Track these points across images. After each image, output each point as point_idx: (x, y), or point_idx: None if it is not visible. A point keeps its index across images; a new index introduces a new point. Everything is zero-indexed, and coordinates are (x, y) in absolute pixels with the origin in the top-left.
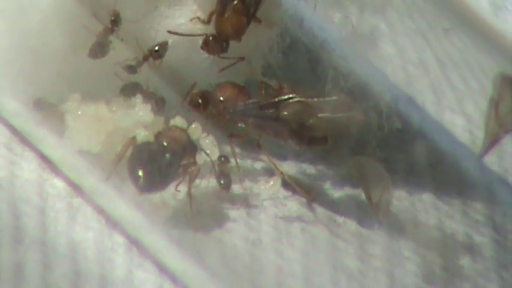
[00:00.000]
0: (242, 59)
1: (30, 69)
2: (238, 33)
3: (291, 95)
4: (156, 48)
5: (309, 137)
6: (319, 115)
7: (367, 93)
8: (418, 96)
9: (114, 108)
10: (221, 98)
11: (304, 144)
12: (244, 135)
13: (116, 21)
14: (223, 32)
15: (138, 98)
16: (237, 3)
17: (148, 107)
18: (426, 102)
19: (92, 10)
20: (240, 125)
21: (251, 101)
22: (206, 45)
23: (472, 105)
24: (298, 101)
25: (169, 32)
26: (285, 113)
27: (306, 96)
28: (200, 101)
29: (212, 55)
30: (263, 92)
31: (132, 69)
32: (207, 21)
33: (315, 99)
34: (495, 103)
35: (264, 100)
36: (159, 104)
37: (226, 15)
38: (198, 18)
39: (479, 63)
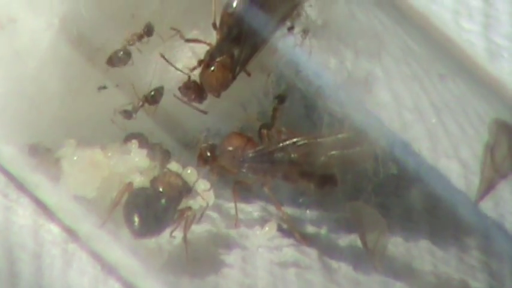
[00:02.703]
0: (205, 112)
1: (26, 115)
2: (221, 88)
3: (300, 138)
4: (152, 93)
5: (319, 177)
6: (330, 153)
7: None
8: (413, 142)
9: (109, 154)
10: (230, 148)
11: (315, 186)
12: (249, 182)
13: (148, 31)
14: (206, 83)
15: (134, 144)
16: (225, 57)
17: (144, 152)
18: (422, 148)
19: (88, 56)
20: (247, 172)
21: (260, 147)
22: (185, 89)
23: (467, 151)
24: (306, 142)
25: (161, 55)
26: (295, 155)
27: (313, 138)
28: (209, 154)
29: (187, 100)
30: (267, 138)
31: (128, 114)
32: (192, 69)
33: (325, 139)
34: (491, 149)
35: (273, 146)
36: (164, 155)
37: (212, 68)
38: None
39: (474, 109)
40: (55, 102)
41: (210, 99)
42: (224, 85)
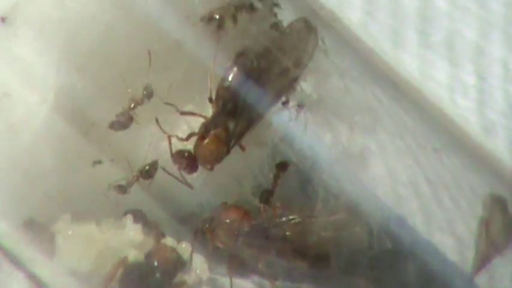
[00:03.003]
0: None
1: (20, 189)
2: (214, 161)
3: (294, 216)
4: (146, 168)
5: (312, 256)
6: (323, 233)
7: (357, 213)
8: (408, 216)
9: (104, 228)
10: (227, 221)
11: (308, 264)
12: (244, 257)
13: (148, 94)
14: (200, 156)
15: (129, 218)
16: (219, 130)
17: (139, 227)
18: (417, 223)
19: (83, 130)
20: (242, 246)
21: (255, 223)
22: (178, 157)
23: (462, 226)
24: (300, 220)
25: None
26: (289, 233)
27: (308, 216)
28: (207, 226)
29: (178, 168)
30: (264, 213)
31: (122, 189)
32: (185, 139)
33: (319, 218)
34: (485, 223)
35: (267, 222)
36: (158, 235)
37: (207, 140)
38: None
39: (469, 184)
40: (50, 177)
41: (204, 173)
42: (218, 158)
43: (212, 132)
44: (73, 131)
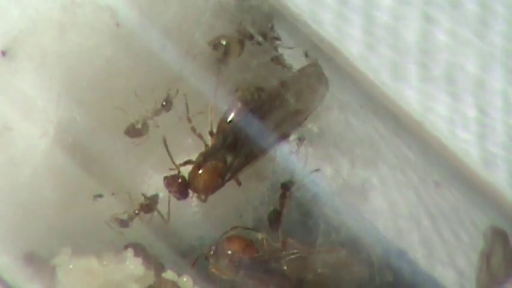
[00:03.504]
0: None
1: (21, 223)
2: (207, 192)
3: (294, 251)
4: (147, 202)
5: None
6: (319, 270)
7: (358, 246)
8: (409, 249)
9: (105, 262)
10: (228, 252)
11: None
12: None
13: (167, 105)
14: (193, 184)
15: (129, 252)
16: (216, 162)
17: (140, 260)
18: (417, 256)
19: (84, 163)
20: (243, 277)
21: (256, 255)
22: (171, 181)
23: (463, 258)
24: (299, 256)
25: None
26: (286, 267)
27: (308, 252)
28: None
29: (169, 192)
30: (265, 246)
31: (123, 223)
32: (183, 163)
33: (318, 255)
34: (486, 256)
35: (269, 255)
36: (157, 268)
37: (202, 170)
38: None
39: (469, 217)
40: (50, 210)
41: (204, 206)
42: (211, 189)
43: (209, 163)
44: (73, 164)
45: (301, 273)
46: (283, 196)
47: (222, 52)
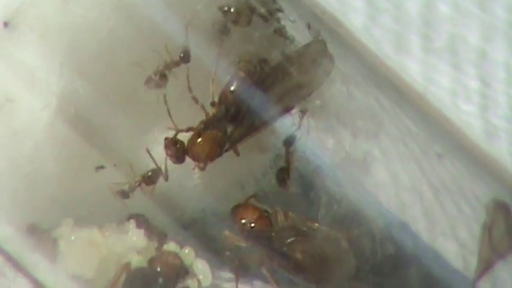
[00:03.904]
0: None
1: (23, 195)
2: (205, 159)
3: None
4: (149, 174)
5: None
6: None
7: (360, 219)
8: (411, 222)
9: (107, 234)
10: (242, 221)
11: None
12: (250, 262)
13: (185, 57)
14: (192, 152)
15: (131, 224)
16: (216, 132)
17: (142, 232)
18: (419, 228)
19: (85, 136)
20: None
21: (263, 229)
22: (170, 144)
23: (465, 231)
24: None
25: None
26: (288, 248)
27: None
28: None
29: (167, 156)
30: (278, 221)
31: (124, 194)
32: (185, 130)
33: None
34: (488, 229)
35: (274, 232)
36: (160, 239)
37: (201, 138)
38: None
39: (472, 189)
40: (52, 182)
41: (206, 178)
42: (209, 158)
43: (208, 131)
44: (76, 136)
45: (303, 257)
46: (287, 153)
47: (231, 19)
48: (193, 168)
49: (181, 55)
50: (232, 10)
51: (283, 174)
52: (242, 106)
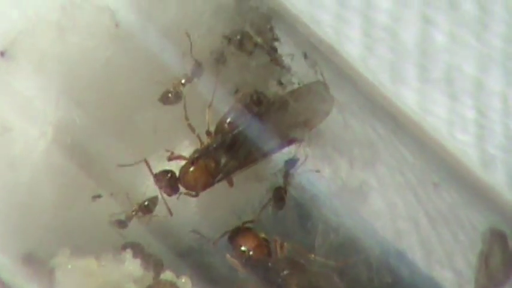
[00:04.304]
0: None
1: (20, 224)
2: (197, 189)
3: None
4: (146, 203)
5: None
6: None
7: (357, 247)
8: (407, 250)
9: (103, 263)
10: (242, 248)
11: None
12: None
13: (197, 71)
14: (184, 180)
15: (128, 253)
16: (210, 161)
17: (138, 261)
18: (416, 257)
19: (82, 165)
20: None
21: (260, 258)
22: (160, 176)
23: (461, 259)
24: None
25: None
26: (284, 275)
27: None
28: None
29: (159, 188)
30: (277, 250)
31: (122, 223)
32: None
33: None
34: (485, 257)
35: (271, 262)
36: (157, 268)
37: (194, 167)
38: None
39: (468, 218)
40: (49, 211)
41: (202, 208)
42: (202, 187)
43: (201, 160)
44: (72, 165)
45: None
46: (286, 173)
47: (236, 46)
48: (181, 194)
49: (193, 69)
50: (238, 37)
51: (280, 193)
52: (238, 138)
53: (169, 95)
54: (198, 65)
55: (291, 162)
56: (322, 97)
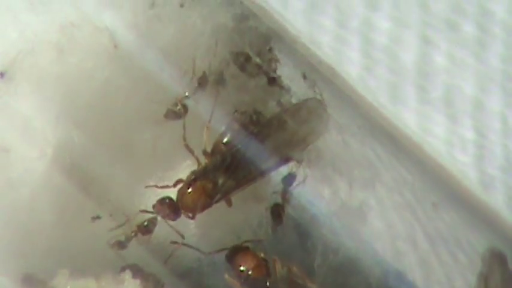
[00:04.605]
0: (182, 236)
1: (19, 244)
2: (195, 211)
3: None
4: (146, 223)
5: None
6: None
7: (356, 268)
8: (407, 271)
9: (103, 284)
10: (241, 268)
11: None
12: None
13: (202, 83)
14: (182, 203)
15: (127, 274)
16: (207, 182)
17: (137, 282)
18: (415, 278)
19: (81, 185)
20: None
21: (259, 278)
22: (160, 205)
23: (461, 280)
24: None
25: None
26: None
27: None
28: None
29: (161, 217)
30: (276, 271)
31: (121, 245)
32: (173, 186)
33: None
34: (484, 278)
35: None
36: (157, 286)
37: (191, 189)
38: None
39: (468, 238)
40: (48, 232)
41: (201, 228)
42: (200, 209)
43: (198, 182)
44: (71, 185)
45: None
46: (284, 190)
47: (239, 66)
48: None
49: (199, 82)
50: (241, 59)
51: (278, 209)
52: (235, 157)
53: (175, 109)
54: (204, 75)
55: (289, 179)
56: (318, 114)
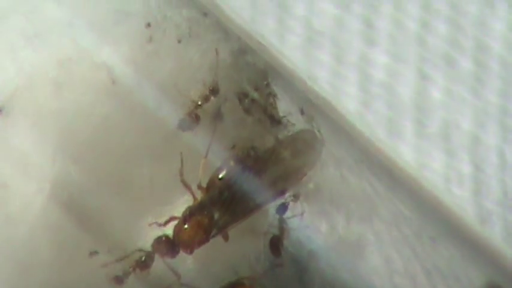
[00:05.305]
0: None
1: (17, 281)
2: (192, 246)
3: None
4: (143, 258)
5: None
6: None
7: None
8: None
9: None
10: None
11: None
12: None
13: (213, 91)
14: (179, 239)
15: None
16: (203, 217)
17: None
18: None
19: (79, 221)
20: None
21: None
22: (157, 244)
23: None
24: None
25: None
26: None
27: None
28: None
29: (160, 256)
30: None
31: (119, 280)
32: (164, 224)
33: None
34: None
35: None
36: None
37: (187, 225)
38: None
39: (466, 273)
40: (46, 267)
41: (198, 263)
42: (196, 244)
43: (194, 217)
44: (69, 221)
45: None
46: (280, 221)
47: (245, 105)
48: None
49: (210, 88)
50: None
51: (276, 242)
52: (230, 192)
53: (187, 119)
54: (215, 83)
55: (281, 208)
56: (313, 144)
